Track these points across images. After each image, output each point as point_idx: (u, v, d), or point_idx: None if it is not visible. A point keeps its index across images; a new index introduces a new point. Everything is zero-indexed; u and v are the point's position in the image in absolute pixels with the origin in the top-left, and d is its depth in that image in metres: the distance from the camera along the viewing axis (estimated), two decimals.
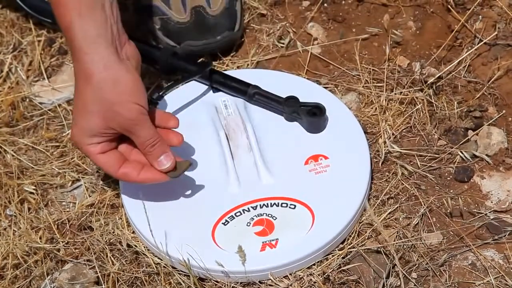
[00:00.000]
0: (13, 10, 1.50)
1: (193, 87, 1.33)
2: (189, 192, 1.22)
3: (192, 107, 1.31)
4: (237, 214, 1.19)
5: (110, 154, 1.16)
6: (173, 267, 1.18)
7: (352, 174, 1.23)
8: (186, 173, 1.19)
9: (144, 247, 1.21)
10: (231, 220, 1.19)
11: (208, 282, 1.17)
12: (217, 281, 1.16)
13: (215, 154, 1.25)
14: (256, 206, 1.20)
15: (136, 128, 1.14)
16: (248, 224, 1.19)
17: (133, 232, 1.23)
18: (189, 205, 1.21)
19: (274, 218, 1.19)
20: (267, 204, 1.20)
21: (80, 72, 1.12)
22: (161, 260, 1.19)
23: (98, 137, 1.14)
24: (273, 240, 1.17)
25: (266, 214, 1.19)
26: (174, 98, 1.31)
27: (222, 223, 1.19)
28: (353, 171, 1.23)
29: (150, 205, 1.19)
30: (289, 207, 1.20)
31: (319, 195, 1.20)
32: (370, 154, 1.27)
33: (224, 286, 1.16)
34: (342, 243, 1.20)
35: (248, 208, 1.20)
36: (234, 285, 1.16)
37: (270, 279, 1.16)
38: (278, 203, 1.20)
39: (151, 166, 1.17)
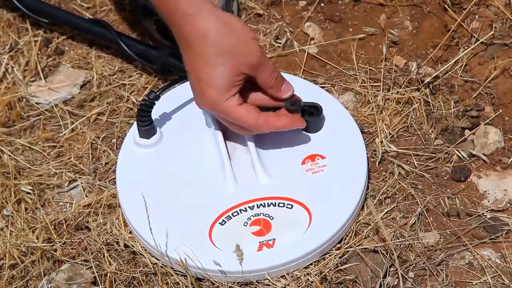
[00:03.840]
0: (10, 10, 1.50)
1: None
2: (186, 192, 1.22)
3: (189, 107, 1.31)
4: (234, 214, 1.19)
5: (246, 105, 1.17)
6: (170, 267, 1.18)
7: (349, 174, 1.23)
8: (183, 173, 1.21)
9: (141, 247, 1.21)
10: (228, 220, 1.19)
11: (205, 282, 1.17)
12: (214, 281, 1.16)
13: (212, 154, 1.24)
14: (253, 206, 1.20)
15: (264, 62, 1.16)
16: (245, 224, 1.18)
17: (130, 232, 1.23)
18: (186, 205, 1.21)
19: (271, 218, 1.19)
20: (264, 204, 1.20)
21: (193, 35, 1.13)
22: (158, 260, 1.19)
23: (233, 88, 1.15)
24: (270, 240, 1.17)
25: (263, 214, 1.19)
26: (172, 98, 1.31)
27: (219, 223, 1.18)
28: (350, 171, 1.23)
29: (146, 205, 1.19)
30: (286, 207, 1.19)
31: (316, 194, 1.20)
32: (367, 153, 1.27)
33: (221, 286, 1.16)
34: (339, 242, 1.20)
35: (245, 208, 1.20)
36: (231, 285, 1.16)
37: (267, 279, 1.16)
38: (275, 203, 1.20)
39: (281, 114, 1.19)
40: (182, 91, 1.32)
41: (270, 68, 1.16)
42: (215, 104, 1.15)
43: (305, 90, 1.32)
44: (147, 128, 1.25)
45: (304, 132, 1.27)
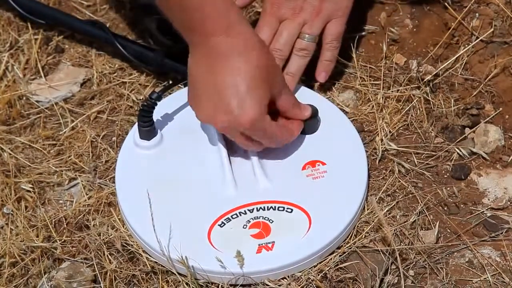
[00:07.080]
0: (10, 8, 1.50)
1: None
2: (185, 194, 1.22)
3: (190, 110, 1.30)
4: (234, 216, 1.19)
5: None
6: (168, 268, 1.18)
7: (349, 180, 1.22)
8: (183, 175, 1.22)
9: (139, 247, 1.21)
10: (227, 222, 1.19)
11: (204, 283, 1.16)
12: (212, 282, 1.16)
13: (213, 157, 1.24)
14: (253, 209, 1.19)
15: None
16: (245, 226, 1.18)
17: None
18: (186, 207, 1.21)
19: (271, 221, 1.18)
20: (264, 207, 1.19)
21: (232, 48, 1.12)
22: (157, 262, 1.19)
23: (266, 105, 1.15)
24: (269, 242, 1.17)
25: (263, 217, 1.19)
26: (172, 100, 1.30)
27: (218, 225, 1.18)
28: (350, 177, 1.22)
29: (146, 207, 1.18)
30: (286, 211, 1.19)
31: (316, 200, 1.20)
32: (367, 152, 1.27)
33: (220, 287, 1.16)
34: None
35: (245, 211, 1.19)
36: (230, 287, 1.15)
37: (267, 280, 1.15)
38: (274, 206, 1.20)
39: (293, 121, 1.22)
40: (183, 93, 1.31)
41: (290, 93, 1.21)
42: (256, 121, 1.13)
43: (300, 93, 1.31)
44: (148, 129, 1.24)
45: (303, 135, 1.26)
